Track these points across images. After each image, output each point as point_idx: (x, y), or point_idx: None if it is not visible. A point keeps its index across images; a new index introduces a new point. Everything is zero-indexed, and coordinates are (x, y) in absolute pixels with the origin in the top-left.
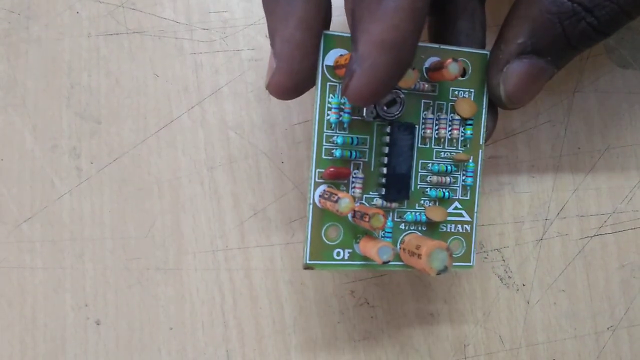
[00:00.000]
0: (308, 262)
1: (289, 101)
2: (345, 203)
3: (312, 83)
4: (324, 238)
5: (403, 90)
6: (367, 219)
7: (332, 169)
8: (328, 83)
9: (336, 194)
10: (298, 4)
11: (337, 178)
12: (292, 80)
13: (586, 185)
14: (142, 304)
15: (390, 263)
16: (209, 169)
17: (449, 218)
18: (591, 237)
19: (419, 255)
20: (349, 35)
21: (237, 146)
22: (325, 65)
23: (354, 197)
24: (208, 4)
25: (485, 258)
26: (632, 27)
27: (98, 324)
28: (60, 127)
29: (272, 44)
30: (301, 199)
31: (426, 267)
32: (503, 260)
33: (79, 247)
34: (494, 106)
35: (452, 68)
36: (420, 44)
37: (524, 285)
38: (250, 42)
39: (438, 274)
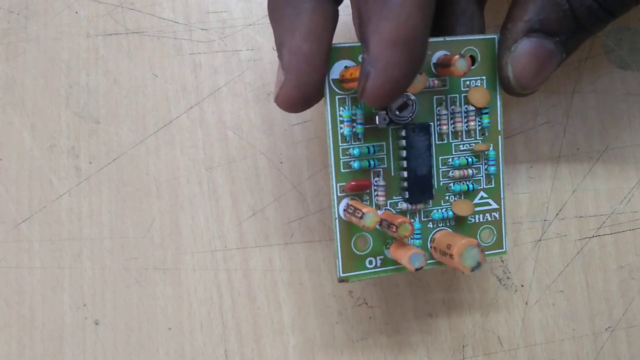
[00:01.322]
0: (342, 275)
1: None
2: (369, 218)
3: (322, 95)
4: (354, 249)
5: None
6: (394, 229)
7: (353, 183)
8: (337, 96)
9: (360, 210)
10: (305, 15)
11: (358, 191)
12: (301, 93)
13: (585, 186)
14: (140, 304)
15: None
16: (207, 169)
17: (476, 209)
18: (590, 238)
19: (451, 255)
20: (353, 45)
21: (235, 146)
22: (332, 79)
23: (377, 205)
24: (207, 4)
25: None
26: (631, 28)
27: (96, 324)
28: (58, 127)
29: (280, 57)
30: (300, 200)
31: (459, 266)
32: (502, 261)
33: (77, 247)
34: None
35: (460, 65)
36: None
37: (522, 286)
38: (249, 42)
39: (472, 270)
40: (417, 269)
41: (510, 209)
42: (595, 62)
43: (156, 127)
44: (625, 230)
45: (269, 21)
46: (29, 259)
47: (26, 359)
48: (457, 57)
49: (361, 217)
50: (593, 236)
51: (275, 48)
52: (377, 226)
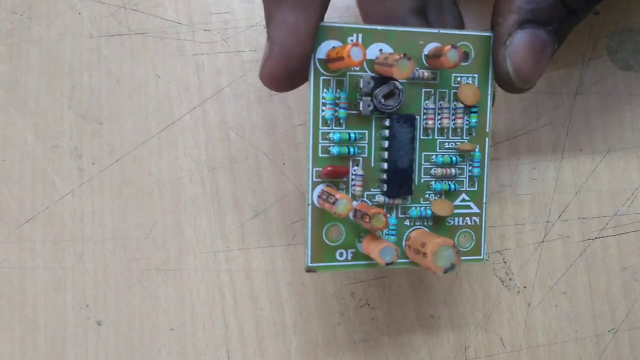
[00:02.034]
0: (310, 264)
1: (290, 102)
2: (342, 205)
3: (307, 75)
4: (325, 239)
5: (401, 81)
6: (367, 220)
7: (329, 168)
8: (321, 77)
9: (333, 195)
10: None
11: (334, 177)
12: (284, 67)
13: (587, 188)
14: (142, 305)
15: (396, 261)
16: (210, 170)
17: (456, 211)
18: (592, 239)
19: (424, 254)
20: (342, 25)
21: (238, 147)
22: (318, 59)
23: (354, 196)
24: (209, 5)
25: (487, 260)
26: (634, 29)
27: (99, 325)
28: (61, 128)
29: (267, 30)
30: (302, 200)
31: (432, 265)
32: (504, 262)
33: (80, 248)
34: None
35: (452, 56)
36: (418, 29)
37: (525, 287)
38: (252, 43)
39: (445, 272)
40: (387, 264)
41: (513, 210)
42: (598, 64)
43: (159, 127)
44: (629, 232)
45: None
46: (31, 259)
47: (29, 359)
48: (448, 47)
49: (334, 203)
50: (596, 237)
51: (264, 25)
52: (351, 217)
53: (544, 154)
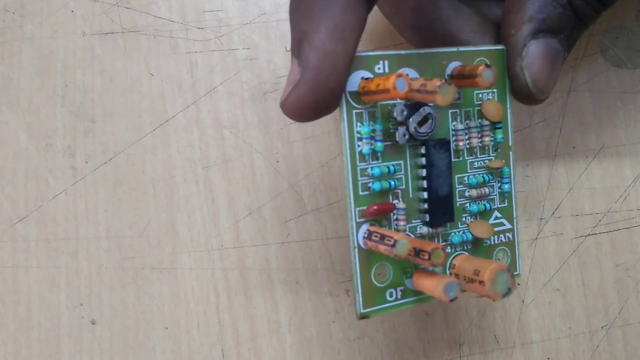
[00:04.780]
0: (362, 311)
1: None
2: (402, 245)
3: (334, 107)
4: (374, 281)
5: (430, 104)
6: (426, 257)
7: (374, 207)
8: (354, 111)
9: (391, 237)
10: (336, 9)
11: (380, 215)
12: (314, 97)
13: (581, 185)
14: (137, 303)
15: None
16: (203, 168)
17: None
18: (586, 236)
19: (481, 282)
20: (369, 54)
21: (232, 145)
22: (349, 92)
23: (397, 230)
24: (203, 3)
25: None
26: (627, 26)
27: (93, 323)
28: (54, 126)
29: (297, 53)
30: (296, 199)
31: (491, 293)
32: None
33: (73, 247)
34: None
35: (487, 76)
36: (439, 49)
37: (518, 284)
38: (245, 41)
39: (503, 297)
40: (452, 300)
41: None
42: (591, 61)
43: (152, 126)
44: (621, 229)
45: (266, 20)
46: (25, 258)
47: (22, 358)
48: (482, 67)
49: (393, 245)
50: (589, 234)
51: (289, 48)
52: None
53: (538, 151)
